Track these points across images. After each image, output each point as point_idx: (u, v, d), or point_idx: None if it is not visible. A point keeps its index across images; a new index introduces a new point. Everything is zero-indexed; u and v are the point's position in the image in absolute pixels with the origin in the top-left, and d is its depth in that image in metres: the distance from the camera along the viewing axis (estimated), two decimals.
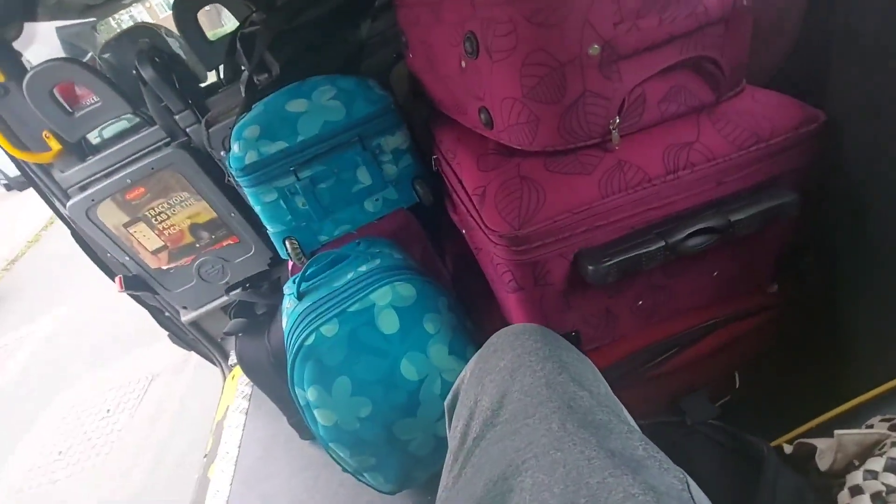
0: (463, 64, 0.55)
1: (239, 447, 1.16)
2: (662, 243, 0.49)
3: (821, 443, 0.33)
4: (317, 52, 0.84)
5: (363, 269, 0.70)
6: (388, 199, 0.81)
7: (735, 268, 0.59)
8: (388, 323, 0.66)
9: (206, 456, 1.21)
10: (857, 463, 0.31)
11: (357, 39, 0.89)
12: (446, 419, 0.47)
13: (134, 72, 1.00)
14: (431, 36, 0.62)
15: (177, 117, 1.06)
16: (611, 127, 0.48)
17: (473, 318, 0.77)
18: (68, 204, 1.07)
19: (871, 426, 0.31)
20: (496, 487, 0.32)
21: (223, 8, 1.36)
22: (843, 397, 0.46)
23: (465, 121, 0.63)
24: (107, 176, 1.09)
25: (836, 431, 0.31)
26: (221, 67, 1.13)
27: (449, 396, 0.47)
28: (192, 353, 1.55)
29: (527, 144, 0.51)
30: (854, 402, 0.39)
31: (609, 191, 0.49)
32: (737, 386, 0.69)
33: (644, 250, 0.49)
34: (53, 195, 1.12)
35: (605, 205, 0.49)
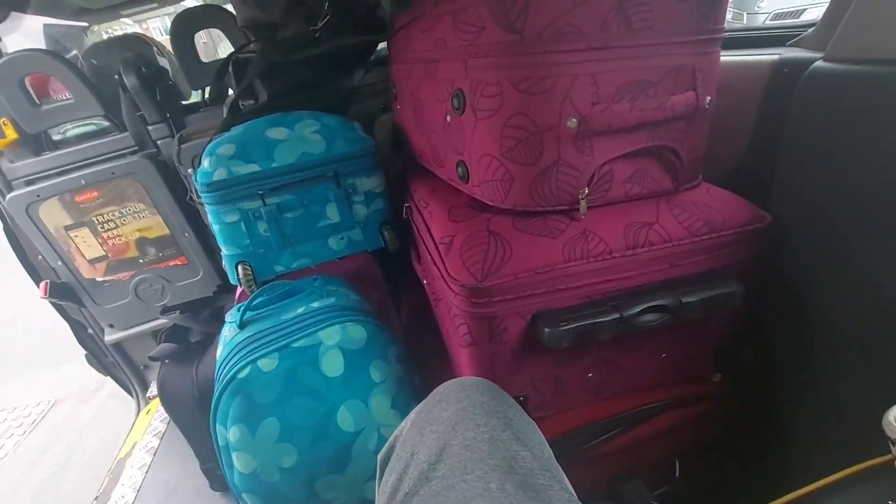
0: (448, 118, 0.57)
1: (137, 491, 1.03)
2: (617, 315, 0.50)
3: None
4: (307, 89, 0.86)
5: (316, 304, 0.67)
6: (354, 239, 0.80)
7: (681, 352, 0.61)
8: (333, 365, 0.62)
9: (96, 498, 1.06)
10: None
11: (348, 85, 0.92)
12: (377, 474, 0.44)
13: (116, 76, 0.99)
14: (422, 90, 0.65)
15: (150, 128, 1.04)
16: (580, 196, 0.50)
17: (422, 376, 0.74)
18: (9, 196, 1.00)
19: None
20: None
21: (221, 41, 1.40)
22: (780, 493, 0.46)
23: (442, 173, 0.65)
24: (60, 174, 1.04)
25: None
26: (207, 89, 1.13)
27: (384, 449, 0.44)
28: (106, 382, 1.40)
29: (499, 201, 0.53)
30: (794, 496, 0.39)
31: (573, 256, 0.50)
32: (676, 475, 0.68)
33: (600, 319, 0.50)
34: None
35: (568, 269, 0.50)
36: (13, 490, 1.50)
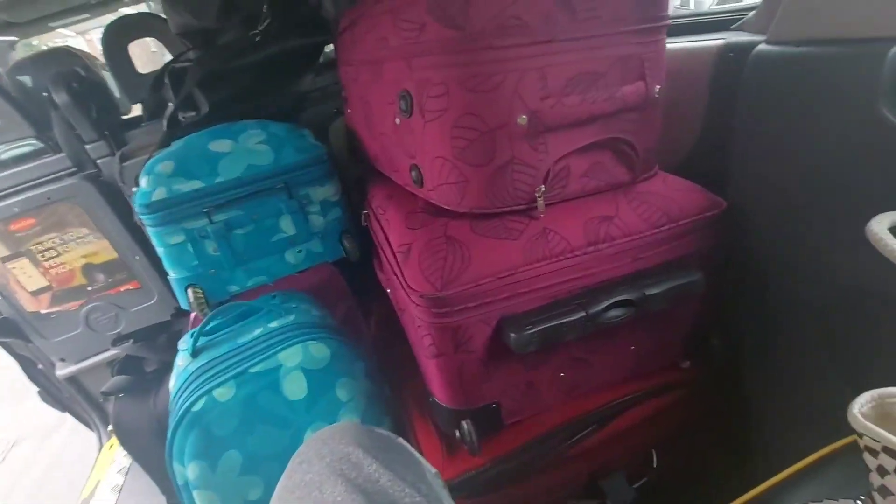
0: (397, 121, 0.55)
1: None
2: (583, 314, 0.49)
3: None
4: (251, 97, 0.81)
5: (274, 324, 0.64)
6: (313, 251, 0.76)
7: (650, 343, 0.60)
8: (295, 388, 0.59)
9: None
10: None
11: (297, 91, 0.88)
12: None
13: (45, 94, 0.92)
14: (370, 93, 0.62)
15: (88, 147, 0.98)
16: (536, 194, 0.48)
17: (395, 385, 0.72)
18: None
19: None
20: None
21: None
22: (758, 478, 0.45)
23: (398, 178, 0.62)
24: None
25: None
26: None
27: None
28: (67, 416, 1.32)
29: (455, 205, 0.51)
30: (771, 482, 0.39)
31: (533, 258, 0.48)
32: (654, 465, 0.68)
33: (566, 320, 0.48)
34: None
35: (529, 272, 0.48)
36: None
